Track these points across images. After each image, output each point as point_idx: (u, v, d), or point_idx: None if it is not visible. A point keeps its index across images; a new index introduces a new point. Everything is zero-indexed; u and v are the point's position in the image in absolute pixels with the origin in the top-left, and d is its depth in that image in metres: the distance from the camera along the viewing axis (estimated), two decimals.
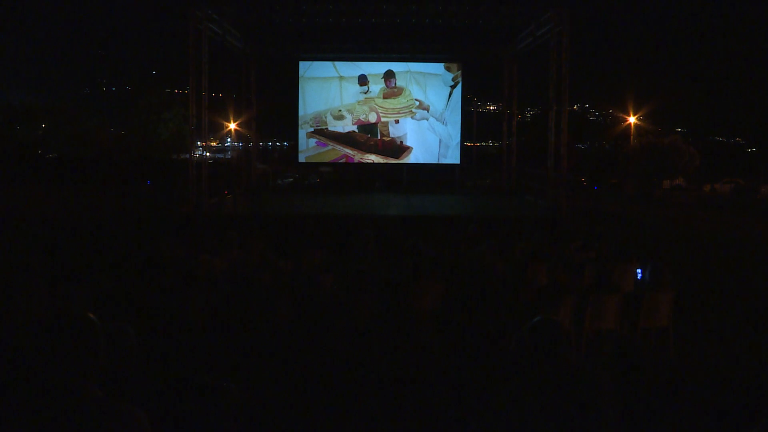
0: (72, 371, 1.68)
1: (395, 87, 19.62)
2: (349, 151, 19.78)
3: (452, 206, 16.09)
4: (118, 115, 61.14)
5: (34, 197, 23.27)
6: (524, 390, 2.20)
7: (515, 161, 19.85)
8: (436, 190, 19.59)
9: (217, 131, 26.99)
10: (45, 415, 1.61)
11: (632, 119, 36.68)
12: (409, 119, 19.74)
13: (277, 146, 59.43)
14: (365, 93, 19.62)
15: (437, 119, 19.76)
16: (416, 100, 19.68)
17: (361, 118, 19.71)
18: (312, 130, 19.78)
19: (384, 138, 19.71)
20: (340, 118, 19.79)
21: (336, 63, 19.62)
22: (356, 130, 19.75)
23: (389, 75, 19.61)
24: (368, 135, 19.80)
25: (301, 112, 19.75)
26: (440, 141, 19.82)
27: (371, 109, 19.69)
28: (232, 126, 24.48)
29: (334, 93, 19.67)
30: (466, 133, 20.89)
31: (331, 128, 19.75)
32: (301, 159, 20.11)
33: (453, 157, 20.00)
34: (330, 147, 19.79)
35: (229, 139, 34.51)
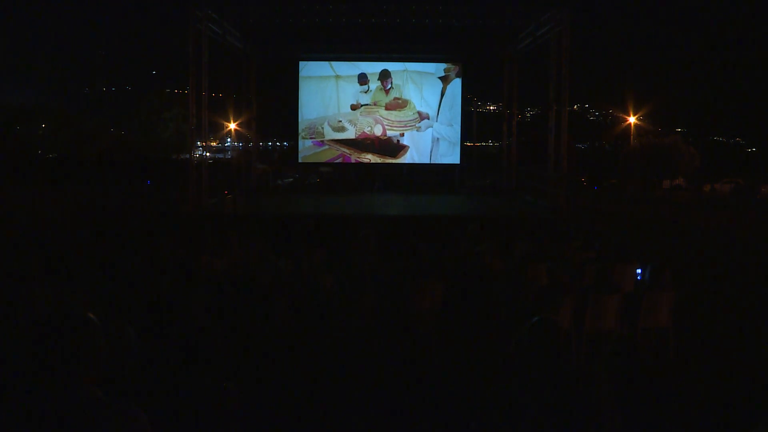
0: (72, 371, 1.68)
1: (392, 87, 19.58)
2: (345, 150, 19.78)
3: (452, 206, 16.09)
4: (118, 115, 61.09)
5: (34, 197, 23.27)
6: (524, 390, 2.20)
7: (515, 161, 19.85)
8: (436, 190, 19.58)
9: (217, 131, 26.96)
10: (45, 415, 1.62)
11: (632, 119, 36.70)
12: (414, 132, 19.73)
13: (277, 146, 59.41)
14: (366, 92, 19.59)
15: (432, 119, 19.77)
16: (418, 112, 19.64)
17: (365, 130, 19.64)
18: (309, 139, 19.77)
19: (380, 137, 19.70)
20: (341, 129, 19.68)
21: (335, 63, 19.60)
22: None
23: (385, 75, 19.57)
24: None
25: (300, 115, 19.73)
26: (433, 139, 19.80)
27: (376, 121, 19.62)
28: (232, 126, 24.46)
29: (331, 93, 19.63)
30: (466, 133, 20.89)
31: (328, 138, 19.69)
32: (300, 159, 20.12)
33: (453, 157, 19.99)
34: (326, 147, 19.79)
35: (229, 139, 34.50)
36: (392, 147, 19.77)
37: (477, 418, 2.29)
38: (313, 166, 22.51)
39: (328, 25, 16.38)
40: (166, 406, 2.18)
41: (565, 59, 14.37)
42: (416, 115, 19.62)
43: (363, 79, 19.57)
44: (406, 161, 19.97)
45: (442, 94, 19.72)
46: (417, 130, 19.66)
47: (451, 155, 19.94)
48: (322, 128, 19.62)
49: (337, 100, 19.62)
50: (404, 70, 19.66)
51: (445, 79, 19.72)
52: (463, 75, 19.84)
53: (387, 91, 19.60)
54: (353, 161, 19.94)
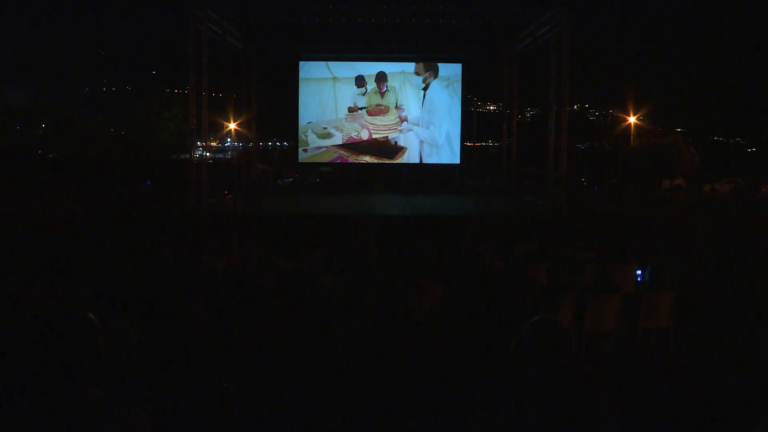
0: (72, 371, 1.68)
1: (387, 89, 19.53)
2: (344, 152, 19.81)
3: (452, 206, 16.09)
4: (118, 115, 61.09)
5: (34, 197, 23.26)
6: (524, 390, 2.20)
7: (515, 161, 19.84)
8: (436, 190, 19.57)
9: (217, 131, 26.99)
10: (45, 415, 1.62)
11: (632, 119, 36.69)
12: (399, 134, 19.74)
13: (277, 146, 59.44)
14: (363, 95, 19.56)
15: (416, 124, 19.74)
16: (399, 116, 19.62)
17: (352, 135, 19.61)
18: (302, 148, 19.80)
19: (378, 140, 19.70)
20: (327, 136, 19.63)
21: (332, 65, 19.56)
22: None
23: (381, 78, 19.53)
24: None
25: (299, 118, 19.73)
26: (420, 142, 19.79)
27: (362, 126, 19.60)
28: (232, 126, 24.48)
29: (328, 96, 19.60)
30: (466, 133, 20.89)
31: (313, 145, 19.67)
32: (300, 159, 20.13)
33: (453, 157, 20.00)
34: (324, 149, 19.81)
35: (229, 139, 34.53)
36: (390, 149, 19.77)
37: (477, 418, 2.29)
38: (313, 166, 22.53)
39: (328, 24, 16.37)
40: (166, 406, 2.18)
41: (565, 59, 14.36)
42: (398, 119, 19.61)
43: (360, 81, 19.52)
44: (405, 162, 19.99)
45: (423, 99, 19.74)
46: (400, 132, 19.66)
47: (435, 156, 19.91)
48: (306, 136, 19.60)
49: (335, 102, 19.60)
50: (401, 72, 19.64)
51: (425, 88, 19.75)
52: (463, 75, 19.84)
53: (382, 94, 19.56)
54: (352, 162, 19.97)
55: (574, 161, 21.98)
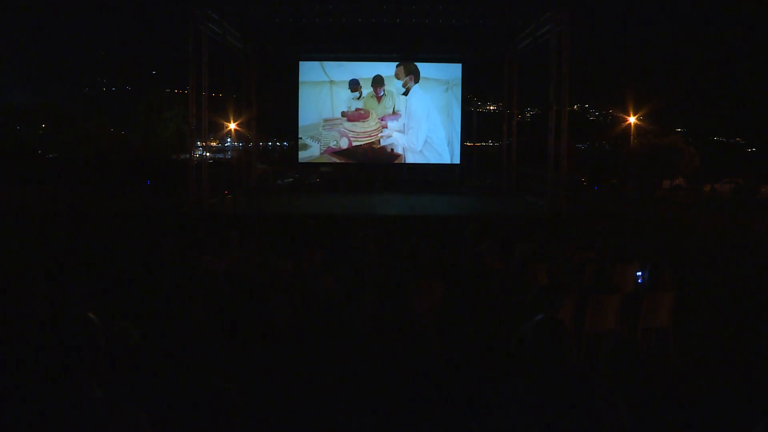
0: (72, 371, 1.68)
1: (384, 94, 19.46)
2: (340, 161, 19.87)
3: (452, 206, 16.09)
4: (118, 115, 61.12)
5: (34, 197, 23.26)
6: (525, 389, 2.20)
7: (515, 161, 19.84)
8: (436, 190, 19.58)
9: (217, 131, 26.97)
10: (45, 415, 1.62)
11: (632, 119, 36.69)
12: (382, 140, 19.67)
13: (277, 146, 59.38)
14: (357, 99, 19.50)
15: (399, 130, 19.70)
16: (379, 119, 19.57)
17: (331, 145, 19.54)
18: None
19: (374, 146, 19.66)
20: (304, 147, 19.59)
21: (328, 68, 19.52)
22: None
23: (378, 81, 19.45)
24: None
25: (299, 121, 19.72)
26: (404, 148, 19.75)
27: (341, 135, 19.53)
28: (232, 126, 24.47)
29: (325, 99, 19.55)
30: (466, 133, 20.88)
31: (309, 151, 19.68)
32: (299, 159, 20.12)
33: (453, 157, 19.98)
34: (325, 158, 19.86)
35: (229, 139, 34.52)
36: (386, 156, 19.74)
37: (477, 418, 2.29)
38: (313, 166, 22.53)
39: (328, 25, 16.37)
40: (166, 406, 2.18)
41: (565, 59, 14.36)
42: (378, 125, 19.55)
43: (354, 85, 19.41)
44: (404, 162, 19.98)
45: (405, 103, 19.70)
46: (383, 138, 19.63)
47: (411, 157, 19.88)
48: (306, 141, 19.58)
49: (332, 106, 19.56)
50: (400, 72, 19.60)
51: (405, 93, 19.71)
52: (463, 75, 19.82)
53: (379, 99, 19.50)
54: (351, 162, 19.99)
55: (574, 161, 22.01)
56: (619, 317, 5.46)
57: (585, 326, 5.34)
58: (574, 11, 14.75)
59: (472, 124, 23.01)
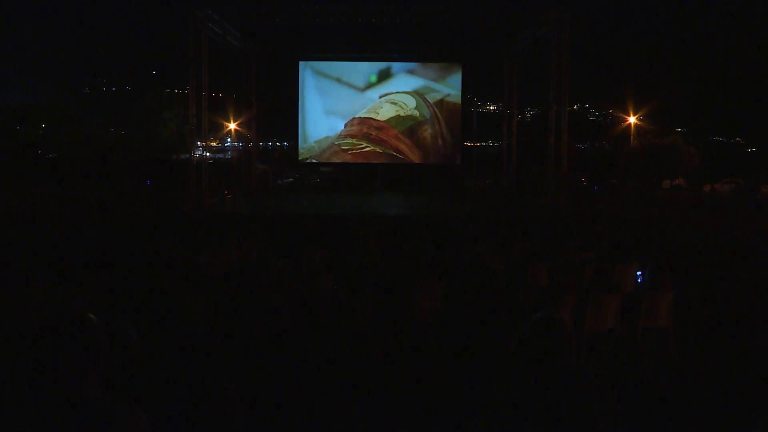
0: (72, 371, 1.68)
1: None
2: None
3: (452, 206, 16.09)
4: (118, 115, 61.11)
5: (34, 197, 23.26)
6: (524, 389, 2.20)
7: (515, 161, 19.84)
8: (436, 190, 19.58)
9: (217, 131, 26.96)
10: (46, 415, 1.62)
11: (632, 119, 36.66)
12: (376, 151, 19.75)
13: (277, 146, 59.34)
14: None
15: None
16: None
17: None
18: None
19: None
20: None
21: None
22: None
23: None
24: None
25: (299, 120, 19.74)
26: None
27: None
28: (232, 126, 24.47)
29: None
30: (466, 133, 20.89)
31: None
32: (300, 158, 20.14)
33: (453, 157, 19.99)
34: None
35: (229, 139, 34.49)
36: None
37: (477, 418, 2.29)
38: (314, 166, 22.55)
39: (328, 25, 16.38)
40: (166, 406, 2.18)
41: (565, 59, 14.37)
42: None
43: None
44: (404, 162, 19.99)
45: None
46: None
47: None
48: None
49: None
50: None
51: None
52: (463, 75, 19.83)
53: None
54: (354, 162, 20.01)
55: (574, 161, 22.02)
56: (619, 317, 5.46)
57: (585, 326, 5.34)
58: (574, 11, 14.76)
59: (472, 124, 23.01)
